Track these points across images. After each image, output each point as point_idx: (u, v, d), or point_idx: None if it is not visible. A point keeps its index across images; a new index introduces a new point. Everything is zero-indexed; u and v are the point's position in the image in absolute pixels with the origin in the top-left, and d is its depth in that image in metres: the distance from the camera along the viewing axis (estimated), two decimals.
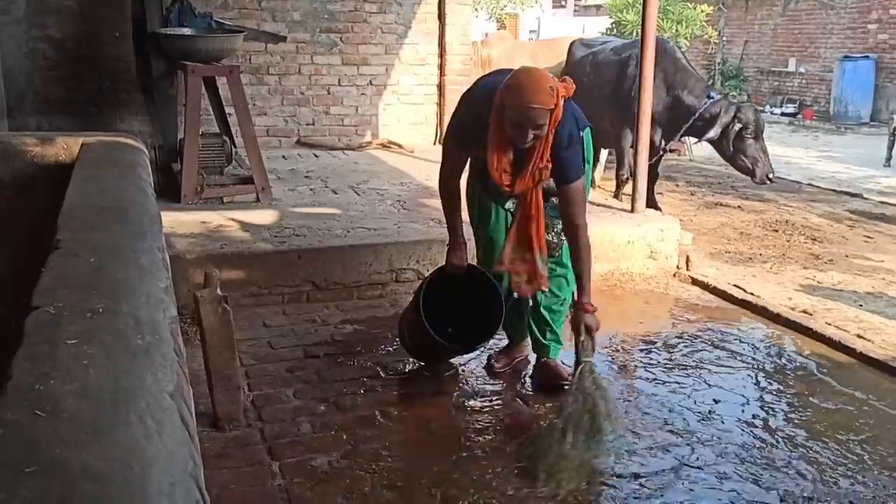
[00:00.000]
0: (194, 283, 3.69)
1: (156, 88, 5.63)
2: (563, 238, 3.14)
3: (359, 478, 2.60)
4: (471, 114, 2.99)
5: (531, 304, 3.34)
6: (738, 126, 5.69)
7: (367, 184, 5.92)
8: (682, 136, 6.09)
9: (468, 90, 3.15)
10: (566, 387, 3.11)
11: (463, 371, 3.51)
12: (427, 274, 3.47)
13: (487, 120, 2.88)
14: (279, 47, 7.17)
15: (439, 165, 3.23)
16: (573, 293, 3.15)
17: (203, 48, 5.14)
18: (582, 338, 2.93)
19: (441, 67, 7.80)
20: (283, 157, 6.95)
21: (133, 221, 2.01)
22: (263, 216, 4.81)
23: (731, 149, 5.79)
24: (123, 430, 0.99)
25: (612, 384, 3.43)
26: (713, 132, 5.72)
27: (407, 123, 7.77)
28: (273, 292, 4.16)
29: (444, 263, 3.34)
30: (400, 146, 7.46)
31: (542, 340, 3.37)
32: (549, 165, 2.90)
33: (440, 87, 7.82)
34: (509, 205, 3.23)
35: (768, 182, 5.96)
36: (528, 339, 3.47)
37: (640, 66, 4.92)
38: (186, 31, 5.45)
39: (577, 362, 2.94)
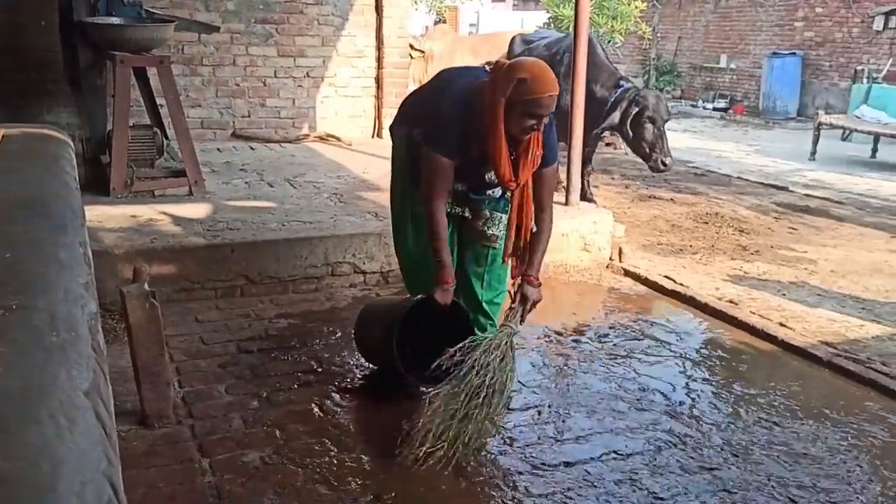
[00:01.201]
0: (123, 278, 3.62)
1: (83, 79, 5.47)
2: (503, 232, 3.16)
3: (291, 473, 2.59)
4: (458, 117, 2.91)
5: (478, 294, 3.34)
6: (635, 109, 5.60)
7: (303, 177, 5.87)
8: (603, 130, 6.05)
9: (440, 93, 3.03)
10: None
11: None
12: (404, 302, 3.18)
13: (477, 120, 2.84)
14: (213, 38, 7.04)
15: (422, 186, 2.98)
16: (511, 275, 3.23)
17: (132, 38, 5.02)
18: (515, 304, 3.01)
19: (379, 60, 7.77)
20: (218, 149, 6.84)
21: (54, 215, 1.96)
22: (196, 210, 4.73)
23: (630, 133, 5.70)
24: (33, 429, 0.97)
25: (542, 370, 3.48)
26: (612, 117, 5.66)
27: (345, 116, 7.73)
28: (206, 287, 4.10)
29: (423, 296, 3.06)
30: (338, 139, 7.41)
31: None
32: (542, 151, 2.93)
33: (378, 79, 7.79)
34: (467, 212, 3.20)
35: (663, 168, 5.82)
36: None
37: (574, 61, 4.99)
38: (115, 20, 5.31)
39: (500, 325, 3.00)
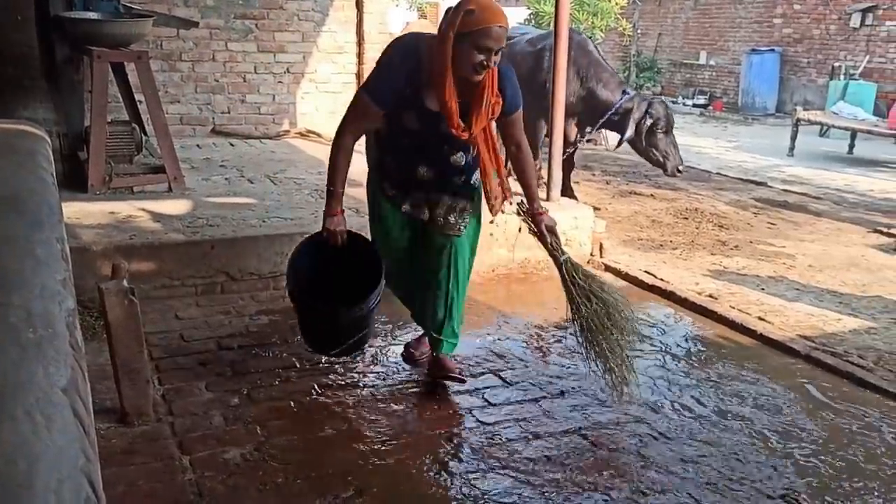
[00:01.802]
0: (102, 275, 3.58)
1: (60, 75, 5.42)
2: (465, 218, 3.08)
3: (272, 469, 2.58)
4: (400, 62, 2.79)
5: (440, 292, 3.19)
6: (649, 122, 5.89)
7: (284, 173, 5.84)
8: (598, 128, 6.25)
9: (389, 46, 2.93)
10: (456, 378, 3.21)
11: (379, 360, 3.52)
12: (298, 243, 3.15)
13: (426, 66, 2.74)
14: (192, 33, 6.99)
15: (340, 121, 2.95)
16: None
17: (109, 33, 4.98)
18: (549, 239, 3.07)
19: (359, 56, 7.75)
20: (198, 145, 6.80)
21: (30, 211, 1.93)
22: (175, 206, 4.70)
23: (644, 143, 6.00)
24: (9, 426, 0.96)
25: (524, 365, 3.49)
26: (629, 132, 5.90)
27: (325, 112, 7.70)
28: (185, 284, 4.07)
29: (317, 231, 3.10)
30: (318, 135, 7.39)
31: (437, 336, 3.25)
32: (500, 100, 2.82)
33: (359, 75, 7.77)
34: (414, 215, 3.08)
35: (678, 174, 6.19)
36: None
37: (554, 57, 5.00)
38: (92, 15, 5.26)
39: (558, 263, 3.07)
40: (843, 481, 2.68)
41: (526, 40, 6.95)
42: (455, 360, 3.36)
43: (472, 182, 3.09)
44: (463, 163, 3.01)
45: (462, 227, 3.09)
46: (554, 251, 3.06)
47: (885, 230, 6.26)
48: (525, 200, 3.13)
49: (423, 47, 2.77)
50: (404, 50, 2.82)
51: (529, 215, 3.11)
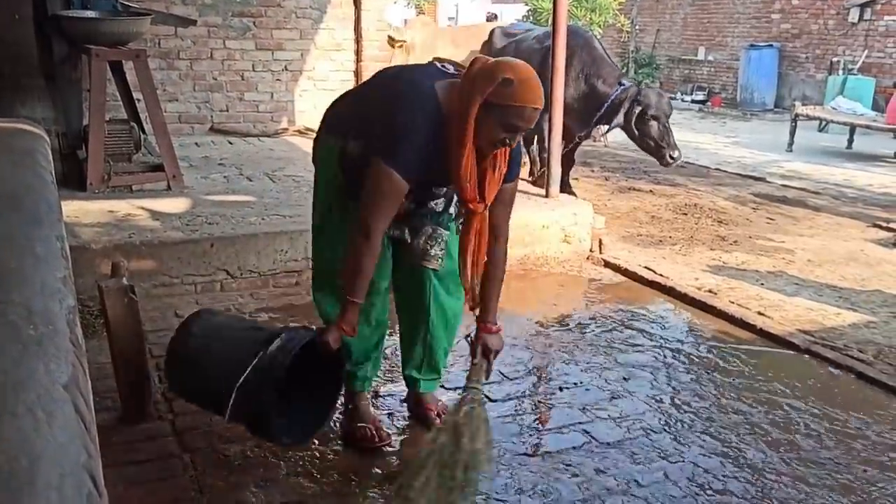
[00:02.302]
0: (101, 273, 3.58)
1: (58, 73, 5.42)
2: (443, 251, 2.66)
3: (273, 466, 2.59)
4: (423, 127, 2.32)
5: (416, 332, 2.85)
6: (638, 109, 5.72)
7: (282, 171, 5.84)
8: (595, 123, 6.19)
9: (398, 97, 2.39)
10: (431, 420, 2.86)
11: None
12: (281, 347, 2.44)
13: (444, 128, 2.33)
14: (190, 31, 6.98)
15: (364, 212, 2.38)
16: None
17: (107, 31, 4.97)
18: (476, 360, 2.60)
19: (358, 53, 7.74)
20: (196, 144, 6.80)
21: (28, 209, 1.94)
22: (174, 204, 4.70)
23: (636, 132, 5.83)
24: (10, 423, 0.96)
25: (523, 361, 3.49)
26: (618, 117, 5.78)
27: (323, 110, 7.64)
28: (185, 282, 4.07)
29: (310, 338, 2.49)
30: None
31: (416, 375, 2.92)
32: (507, 167, 2.47)
33: (357, 73, 7.77)
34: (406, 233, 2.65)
35: (672, 162, 5.94)
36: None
37: (553, 53, 5.00)
38: (90, 13, 5.25)
39: (465, 387, 2.59)
40: (841, 473, 2.69)
41: (533, 37, 6.95)
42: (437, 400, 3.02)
43: (450, 211, 2.67)
44: (448, 196, 2.63)
45: (441, 262, 2.68)
46: (472, 374, 2.58)
47: (884, 224, 6.26)
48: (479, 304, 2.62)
49: (444, 106, 2.34)
50: (425, 105, 2.34)
51: (477, 324, 2.63)
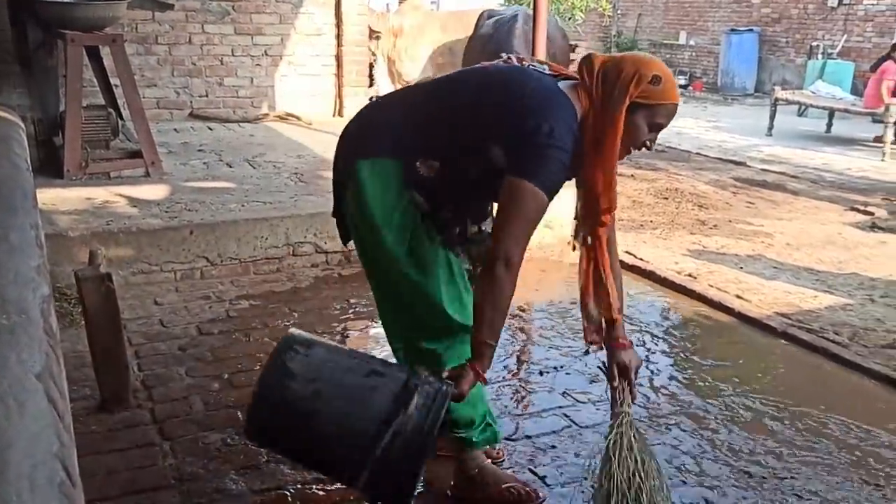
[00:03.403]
0: (79, 261, 3.55)
1: (34, 59, 5.35)
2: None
3: (253, 453, 2.59)
4: (568, 137, 2.01)
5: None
6: None
7: (263, 157, 5.81)
8: None
9: (534, 104, 2.03)
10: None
11: (364, 338, 3.52)
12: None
13: (578, 140, 2.05)
14: (167, 16, 6.91)
15: (504, 245, 2.00)
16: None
17: (83, 16, 4.90)
18: (616, 383, 2.29)
19: (338, 38, 7.69)
20: (175, 130, 6.74)
21: (3, 197, 1.92)
22: (153, 191, 4.67)
23: None
24: None
25: (503, 345, 3.51)
26: None
27: (305, 95, 7.65)
28: (164, 269, 4.05)
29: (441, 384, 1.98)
30: (298, 118, 7.35)
31: (456, 432, 2.39)
32: None
33: (338, 57, 7.73)
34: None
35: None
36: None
37: (533, 38, 4.99)
38: None
39: (614, 413, 2.30)
40: (815, 455, 2.72)
41: (519, 19, 6.95)
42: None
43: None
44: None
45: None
46: (619, 399, 2.29)
47: (861, 208, 6.32)
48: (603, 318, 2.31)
49: (575, 105, 2.07)
50: (565, 113, 2.03)
51: (605, 340, 2.33)
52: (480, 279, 2.09)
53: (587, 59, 2.11)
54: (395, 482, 1.91)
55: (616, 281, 2.28)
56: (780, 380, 3.29)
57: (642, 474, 2.18)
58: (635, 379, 2.31)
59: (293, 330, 2.11)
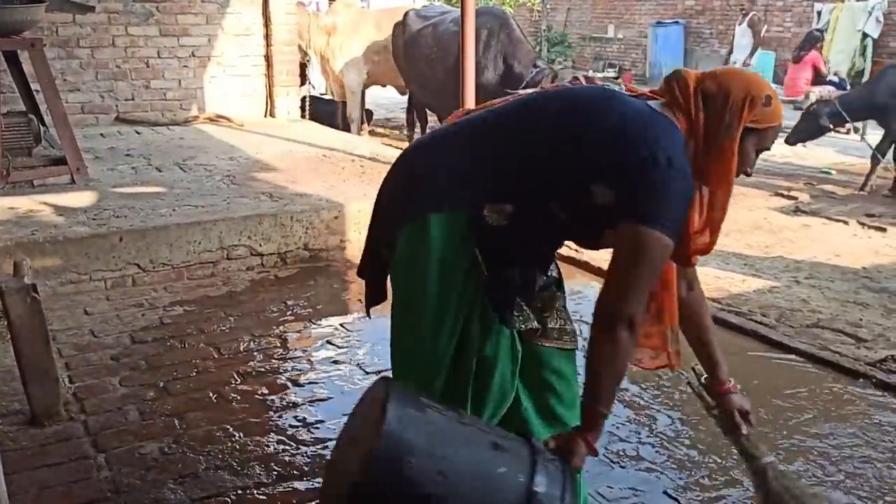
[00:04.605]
0: (3, 273, 3.45)
1: None
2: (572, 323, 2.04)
3: (192, 461, 2.55)
4: (687, 169, 1.72)
5: None
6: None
7: (193, 160, 5.71)
8: None
9: (646, 133, 1.71)
10: None
11: (301, 343, 3.50)
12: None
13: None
14: (89, 18, 6.73)
15: (627, 300, 1.69)
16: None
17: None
18: (744, 430, 2.03)
19: (267, 38, 7.60)
20: (102, 134, 6.57)
21: None
22: (80, 198, 4.55)
23: None
24: None
25: None
26: None
27: (235, 96, 7.53)
28: (94, 278, 3.96)
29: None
30: (229, 120, 7.24)
31: None
32: None
33: (268, 57, 7.63)
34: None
35: None
36: None
37: (462, 35, 5.02)
38: None
39: (755, 469, 2.02)
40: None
41: (450, 19, 6.97)
42: None
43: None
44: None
45: (574, 334, 2.05)
46: (749, 448, 2.03)
47: (785, 193, 6.54)
48: (700, 366, 2.14)
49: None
50: (678, 142, 1.75)
51: (708, 388, 2.11)
52: (597, 342, 1.73)
53: (678, 76, 1.84)
54: None
55: (706, 320, 2.12)
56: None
57: None
58: (752, 424, 2.06)
59: (387, 378, 1.79)
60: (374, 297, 2.01)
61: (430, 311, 1.76)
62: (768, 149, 1.88)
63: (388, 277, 1.90)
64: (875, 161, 6.81)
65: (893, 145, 6.84)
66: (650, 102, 1.82)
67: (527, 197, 1.76)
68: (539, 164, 1.76)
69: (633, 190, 1.68)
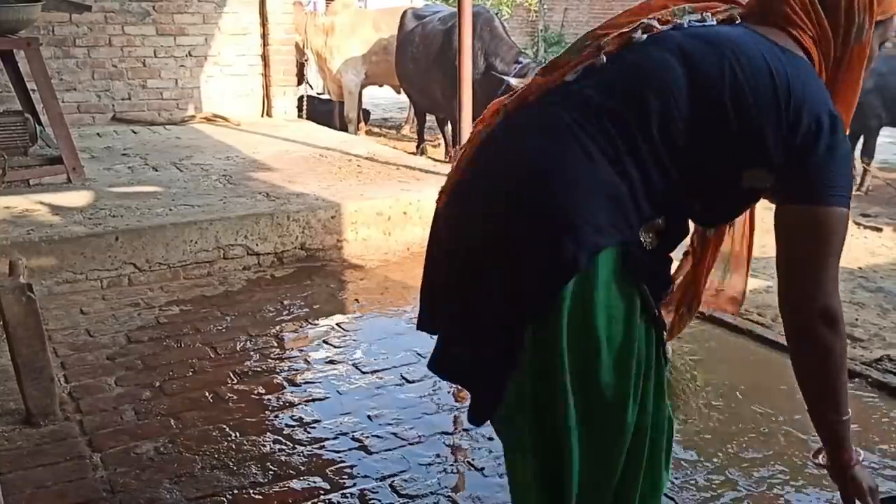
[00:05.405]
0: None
1: None
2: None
3: (188, 461, 2.55)
4: (841, 118, 1.46)
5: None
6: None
7: (190, 159, 5.71)
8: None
9: (791, 85, 1.39)
10: None
11: (298, 344, 3.50)
12: None
13: None
14: (85, 17, 6.73)
15: (824, 289, 1.49)
16: None
17: None
18: None
19: (264, 37, 7.61)
20: (98, 134, 6.57)
21: None
22: (76, 198, 4.55)
23: None
24: None
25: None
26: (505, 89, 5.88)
27: (232, 96, 7.54)
28: (90, 278, 3.95)
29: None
30: (225, 119, 7.24)
31: None
32: None
33: (265, 57, 7.64)
34: None
35: None
36: None
37: (459, 34, 5.02)
38: None
39: None
40: (734, 425, 2.82)
41: (438, 18, 6.97)
42: None
43: None
44: None
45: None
46: None
47: None
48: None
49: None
50: (821, 83, 1.49)
51: (830, 467, 1.64)
52: (799, 353, 1.53)
53: None
54: None
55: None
56: (704, 360, 3.38)
57: None
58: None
59: None
60: (493, 401, 1.50)
61: (631, 398, 1.39)
62: (888, 39, 1.58)
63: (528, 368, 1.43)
64: (864, 162, 6.83)
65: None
66: (753, 31, 1.45)
67: (673, 201, 1.43)
68: (693, 157, 1.41)
69: (803, 170, 1.41)
